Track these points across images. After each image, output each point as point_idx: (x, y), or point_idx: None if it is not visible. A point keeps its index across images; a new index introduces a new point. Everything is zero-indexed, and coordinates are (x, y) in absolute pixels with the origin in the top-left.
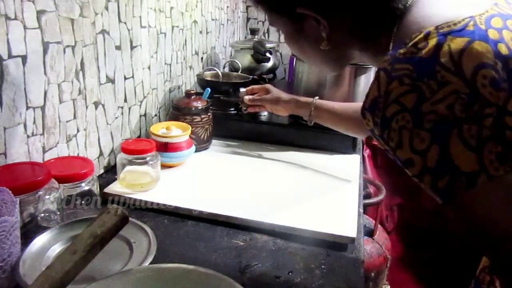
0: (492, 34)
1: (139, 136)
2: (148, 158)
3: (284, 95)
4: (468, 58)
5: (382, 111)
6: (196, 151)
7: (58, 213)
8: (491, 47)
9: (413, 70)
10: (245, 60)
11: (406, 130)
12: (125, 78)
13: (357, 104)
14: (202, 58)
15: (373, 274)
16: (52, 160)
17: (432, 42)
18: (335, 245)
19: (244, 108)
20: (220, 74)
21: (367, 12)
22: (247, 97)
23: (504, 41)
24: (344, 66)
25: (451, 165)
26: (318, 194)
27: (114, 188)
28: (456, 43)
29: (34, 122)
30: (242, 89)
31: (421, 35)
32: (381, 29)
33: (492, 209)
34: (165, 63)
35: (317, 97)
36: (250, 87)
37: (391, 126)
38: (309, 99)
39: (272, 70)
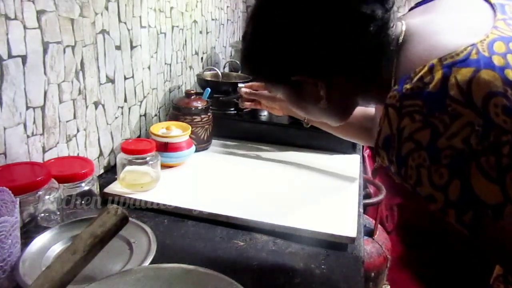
0: (497, 61)
1: (139, 136)
2: (148, 158)
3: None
4: (477, 88)
5: (396, 150)
6: (196, 151)
7: (58, 213)
8: (499, 74)
9: (423, 106)
10: None
11: (423, 168)
12: (125, 78)
13: (357, 109)
14: (202, 58)
15: (373, 274)
16: (52, 160)
17: (438, 75)
18: (335, 245)
19: (242, 104)
20: (220, 74)
21: (361, 65)
22: (244, 89)
23: (510, 67)
24: (350, 114)
25: (475, 199)
26: (318, 194)
27: (114, 188)
28: (462, 74)
29: (34, 122)
30: (241, 84)
31: (426, 69)
32: (379, 71)
33: None
34: (165, 63)
35: None
36: (249, 83)
37: (407, 164)
38: None
39: None
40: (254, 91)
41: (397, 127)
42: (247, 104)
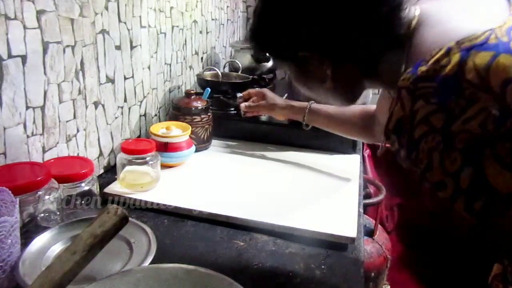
0: None
1: (139, 136)
2: (148, 158)
3: (280, 101)
4: (495, 73)
5: (409, 132)
6: (196, 151)
7: (58, 213)
8: None
9: (438, 88)
10: (245, 60)
11: (436, 151)
12: (125, 78)
13: (355, 107)
14: (202, 58)
15: (373, 274)
16: (52, 160)
17: (455, 58)
18: (335, 245)
19: (242, 113)
20: (220, 74)
21: (370, 46)
22: (243, 105)
23: None
24: (357, 97)
25: (487, 186)
26: (318, 194)
27: (114, 188)
28: (481, 58)
29: (34, 122)
30: (240, 95)
31: (442, 51)
32: (389, 54)
33: None
34: (165, 63)
35: (313, 102)
36: (247, 91)
37: (419, 147)
38: (304, 104)
39: (272, 70)
40: (253, 104)
41: (410, 109)
42: (249, 114)
